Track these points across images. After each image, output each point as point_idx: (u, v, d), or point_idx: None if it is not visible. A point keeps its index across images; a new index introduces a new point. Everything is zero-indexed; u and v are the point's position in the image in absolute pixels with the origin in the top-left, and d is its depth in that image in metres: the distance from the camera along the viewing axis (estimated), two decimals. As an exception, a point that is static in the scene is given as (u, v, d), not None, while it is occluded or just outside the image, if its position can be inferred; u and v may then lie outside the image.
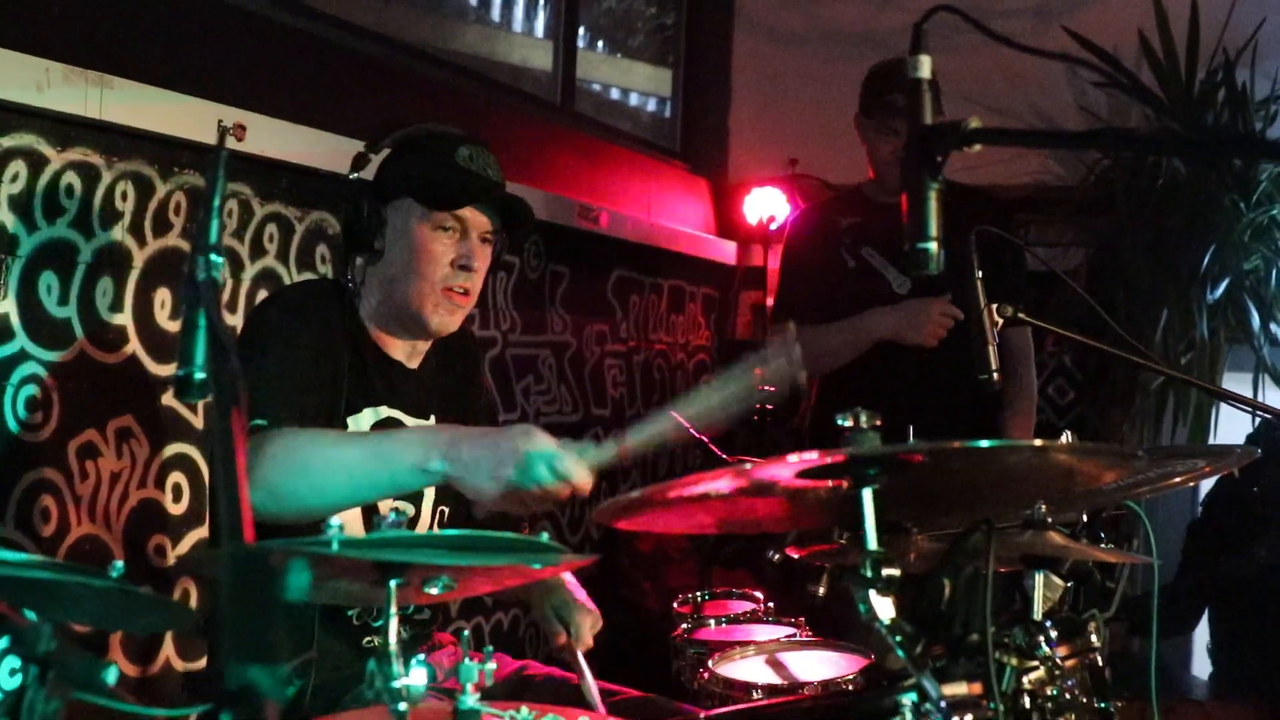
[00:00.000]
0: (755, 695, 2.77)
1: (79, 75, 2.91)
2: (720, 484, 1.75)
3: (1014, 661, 1.84)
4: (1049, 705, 1.93)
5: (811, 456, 1.62)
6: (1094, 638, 2.13)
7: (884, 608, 1.64)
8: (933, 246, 1.67)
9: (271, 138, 3.43)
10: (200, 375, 1.65)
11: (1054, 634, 1.98)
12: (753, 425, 5.30)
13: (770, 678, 2.86)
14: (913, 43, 1.73)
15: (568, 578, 2.78)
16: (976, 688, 1.76)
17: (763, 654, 3.00)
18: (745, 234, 6.18)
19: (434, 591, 1.71)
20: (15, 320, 2.86)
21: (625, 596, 5.01)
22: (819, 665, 2.93)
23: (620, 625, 4.88)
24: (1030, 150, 5.63)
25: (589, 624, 2.73)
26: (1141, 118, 5.47)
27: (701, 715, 2.22)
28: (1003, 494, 1.95)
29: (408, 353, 2.71)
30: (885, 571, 1.64)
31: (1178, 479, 2.13)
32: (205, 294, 1.42)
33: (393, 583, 1.55)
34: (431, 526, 2.72)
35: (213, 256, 1.49)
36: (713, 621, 3.29)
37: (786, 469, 1.67)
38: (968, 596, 1.74)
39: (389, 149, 2.66)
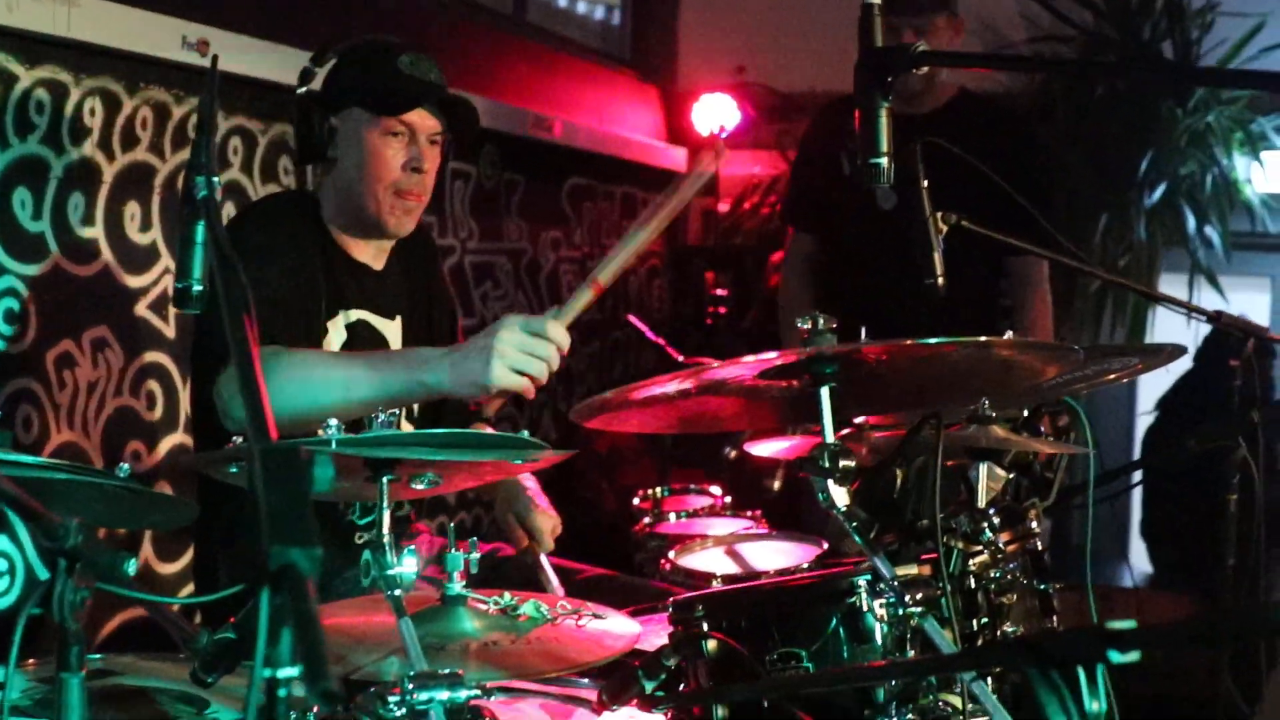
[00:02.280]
0: (715, 583, 2.91)
1: (47, -7, 2.96)
2: (684, 384, 1.87)
3: (960, 546, 1.98)
4: (993, 586, 2.08)
5: (771, 356, 1.74)
6: (1034, 524, 2.28)
7: (841, 496, 1.77)
8: (884, 161, 1.79)
9: (234, 53, 3.48)
10: (198, 287, 1.75)
11: (997, 521, 2.12)
12: (705, 328, 5.42)
13: (729, 567, 3.01)
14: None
15: (529, 484, 2.89)
16: (926, 569, 1.90)
17: (721, 545, 3.15)
18: (695, 141, 6.25)
19: (420, 487, 1.83)
20: (-9, 236, 2.94)
21: (584, 496, 5.14)
22: (775, 555, 3.08)
23: (580, 524, 5.03)
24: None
25: (549, 528, 2.84)
26: (1082, 24, 5.57)
27: (669, 599, 2.35)
28: (950, 389, 2.08)
29: (373, 254, 2.80)
30: (842, 462, 1.77)
31: (1113, 375, 2.26)
32: (207, 210, 1.51)
33: (385, 479, 1.67)
34: (402, 421, 2.82)
35: (211, 176, 1.58)
36: (673, 516, 3.43)
37: (747, 369, 1.79)
38: (918, 486, 1.87)
39: (334, 61, 2.74)
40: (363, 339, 2.73)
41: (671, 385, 1.87)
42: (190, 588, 3.36)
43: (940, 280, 2.58)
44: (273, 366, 2.33)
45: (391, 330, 2.80)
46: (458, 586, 1.81)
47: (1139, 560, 5.56)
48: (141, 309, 3.33)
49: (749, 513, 3.39)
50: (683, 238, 6.44)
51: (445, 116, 2.73)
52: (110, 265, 3.24)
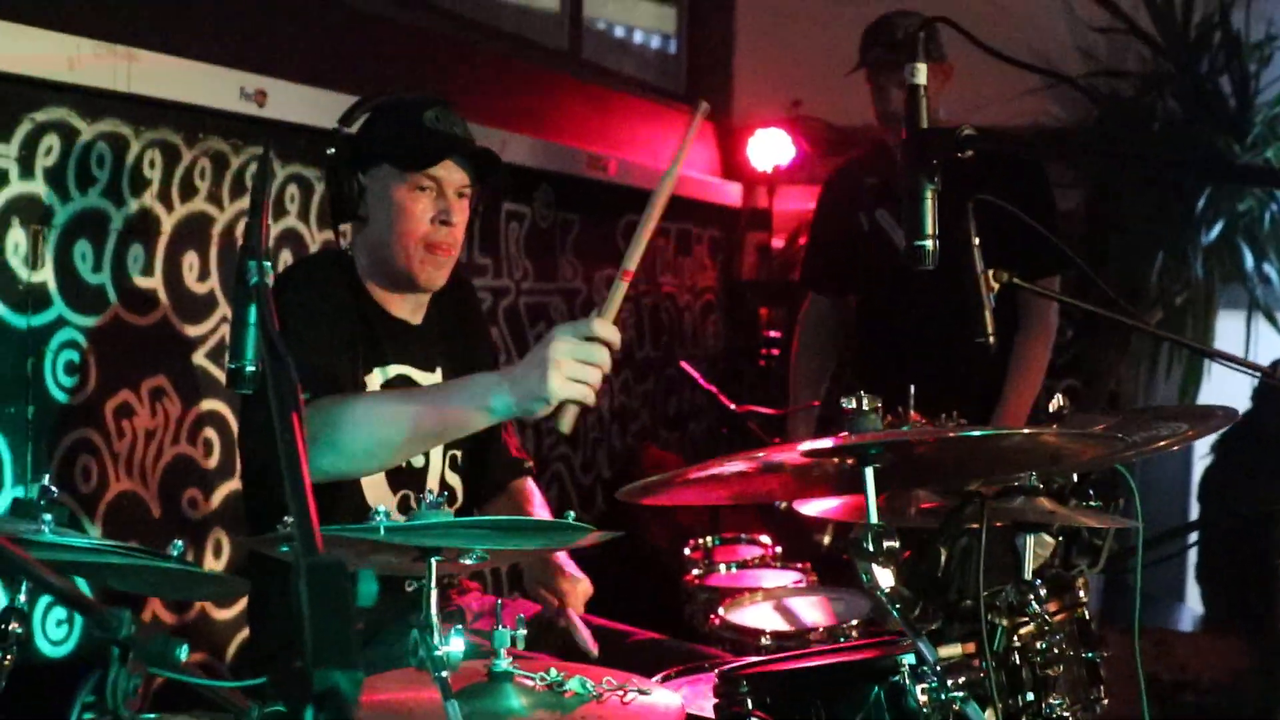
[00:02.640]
0: (763, 641, 2.92)
1: (107, 49, 3.02)
2: (735, 466, 1.88)
3: (1005, 622, 1.98)
4: (1038, 659, 2.08)
5: (823, 444, 1.74)
6: (1081, 593, 2.27)
7: (884, 577, 1.77)
8: (929, 244, 1.79)
9: (290, 101, 3.54)
10: (251, 368, 1.78)
11: (1043, 592, 2.11)
12: (758, 369, 5.42)
13: (778, 624, 3.01)
14: (910, 51, 1.84)
15: (560, 555, 2.85)
16: (970, 647, 1.90)
17: (770, 600, 3.15)
18: (750, 176, 6.27)
19: (469, 562, 1.85)
20: (53, 288, 2.98)
21: (636, 537, 5.16)
22: (824, 610, 3.08)
23: (632, 565, 5.04)
24: (1029, 90, 5.69)
25: (580, 591, 2.81)
26: (1138, 60, 5.55)
27: (711, 666, 2.36)
28: (997, 466, 2.08)
29: (410, 309, 2.83)
30: (885, 544, 1.77)
31: (1162, 443, 2.24)
32: (258, 298, 1.54)
33: (433, 559, 1.69)
34: (443, 470, 2.85)
35: (264, 262, 1.61)
36: (723, 567, 3.44)
37: (795, 454, 1.80)
38: (961, 565, 1.87)
39: (362, 120, 2.77)
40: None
41: (730, 467, 1.88)
42: (245, 633, 3.41)
43: (991, 339, 2.58)
44: (339, 413, 2.38)
45: (432, 383, 2.83)
46: (504, 663, 1.82)
47: (1195, 602, 5.51)
48: (199, 358, 3.38)
49: (799, 564, 3.40)
50: (737, 272, 6.45)
51: (473, 169, 2.76)
52: (169, 315, 3.29)
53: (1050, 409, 2.50)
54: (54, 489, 1.77)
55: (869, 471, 1.78)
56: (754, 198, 6.38)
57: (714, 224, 6.27)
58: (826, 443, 1.76)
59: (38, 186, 2.94)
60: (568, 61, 5.49)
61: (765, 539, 3.61)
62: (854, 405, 1.79)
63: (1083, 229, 5.38)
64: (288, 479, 1.26)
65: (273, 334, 1.44)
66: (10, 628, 1.75)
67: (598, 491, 5.27)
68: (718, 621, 3.03)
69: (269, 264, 1.66)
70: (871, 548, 1.75)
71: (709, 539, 3.59)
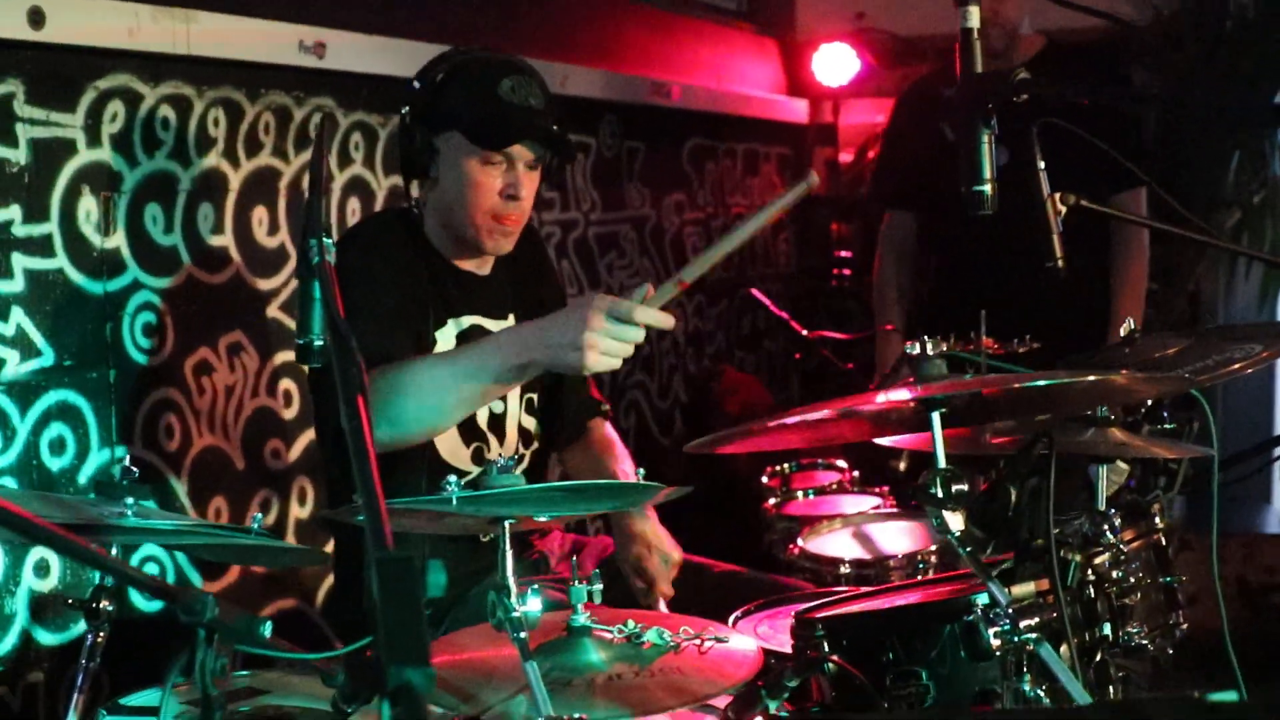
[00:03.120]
0: (843, 570, 2.94)
1: (165, 14, 3.04)
2: (811, 415, 1.88)
3: (1079, 557, 1.98)
4: (1114, 589, 2.08)
5: (899, 394, 1.75)
6: (1157, 519, 2.26)
7: (955, 521, 1.78)
8: (987, 189, 1.78)
9: (350, 51, 3.55)
10: (319, 342, 1.81)
11: (1118, 521, 2.11)
12: (829, 290, 5.40)
13: (857, 551, 3.03)
14: (962, -7, 1.81)
15: (646, 520, 2.80)
16: (1043, 584, 1.90)
17: (849, 527, 3.17)
18: (816, 91, 6.21)
19: (543, 519, 1.87)
20: (126, 253, 3.04)
21: (715, 459, 5.18)
22: (902, 536, 3.09)
23: (711, 490, 5.06)
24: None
25: (667, 575, 2.73)
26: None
27: (791, 599, 2.39)
28: (1067, 404, 2.07)
29: (477, 263, 2.85)
30: (954, 488, 1.78)
31: (1236, 366, 2.22)
32: (321, 277, 1.56)
33: (507, 522, 1.71)
34: (520, 414, 2.88)
35: (324, 239, 1.62)
36: (800, 494, 3.45)
37: (870, 404, 1.80)
38: (1033, 502, 1.87)
39: (437, 80, 2.76)
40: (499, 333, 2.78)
41: (794, 418, 1.89)
42: (330, 581, 3.47)
43: (1060, 263, 2.56)
44: (389, 385, 2.42)
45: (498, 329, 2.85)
46: (583, 618, 1.86)
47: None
48: (273, 310, 3.42)
49: (876, 489, 3.40)
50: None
51: (544, 143, 2.76)
52: (241, 271, 3.33)
53: (1121, 332, 2.48)
54: (135, 469, 1.81)
55: (935, 416, 1.78)
56: (820, 113, 6.32)
57: (781, 141, 6.23)
58: (900, 393, 1.76)
59: (105, 154, 2.98)
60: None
61: (842, 464, 3.61)
62: (917, 350, 1.79)
63: (1158, 130, 5.29)
64: (356, 469, 1.28)
65: (337, 319, 1.46)
66: (101, 605, 1.80)
67: (676, 416, 5.30)
68: (797, 551, 3.05)
69: (329, 240, 1.67)
70: (940, 492, 1.76)
71: (786, 465, 3.60)
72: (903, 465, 3.38)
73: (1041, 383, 1.67)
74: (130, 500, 1.67)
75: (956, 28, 5.85)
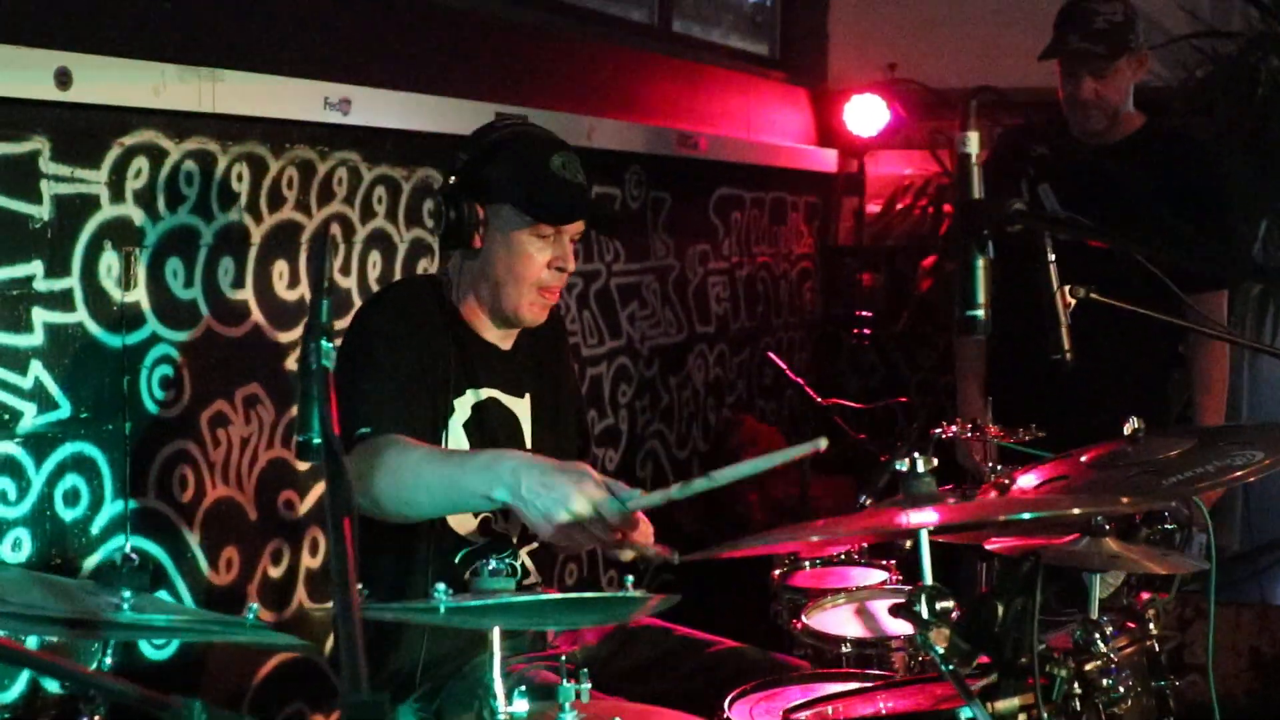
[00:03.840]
0: (844, 648, 2.94)
1: (192, 73, 3.08)
2: (801, 536, 1.89)
3: (1063, 672, 1.98)
4: (1103, 699, 2.08)
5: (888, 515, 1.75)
6: (1151, 625, 2.26)
7: (939, 639, 1.79)
8: (980, 313, 1.79)
9: (375, 107, 3.59)
10: (319, 440, 1.83)
11: (1109, 630, 2.11)
12: (853, 345, 5.40)
13: (859, 629, 3.03)
14: (961, 120, 1.83)
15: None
16: (1028, 698, 1.91)
17: (853, 602, 3.17)
18: (845, 141, 6.23)
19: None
20: (146, 307, 3.07)
21: (731, 511, 5.19)
22: (906, 615, 3.08)
23: (730, 537, 5.06)
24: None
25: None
26: (1243, 21, 5.42)
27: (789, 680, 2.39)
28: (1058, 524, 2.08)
29: (501, 335, 2.88)
30: (939, 605, 1.79)
31: (1237, 474, 2.21)
32: (319, 384, 1.59)
33: (495, 629, 1.73)
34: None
35: (323, 343, 1.65)
36: (808, 564, 3.45)
37: (861, 526, 1.81)
38: (1019, 622, 1.88)
39: (483, 151, 2.79)
40: (492, 415, 2.81)
41: (804, 534, 1.90)
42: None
43: (1068, 355, 2.56)
44: (380, 462, 2.46)
45: (521, 408, 2.88)
46: (569, 718, 1.87)
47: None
48: (290, 363, 3.45)
49: (884, 562, 3.40)
50: (833, 238, 6.42)
51: (595, 219, 2.86)
52: (260, 323, 3.37)
53: (1125, 431, 2.48)
54: (134, 557, 1.84)
55: (923, 534, 1.79)
56: (848, 162, 6.34)
57: (809, 190, 6.25)
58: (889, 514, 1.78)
59: (128, 209, 3.02)
60: (656, 35, 5.48)
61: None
62: (907, 467, 1.80)
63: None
64: (337, 602, 1.30)
65: (331, 436, 1.48)
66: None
67: (693, 465, 5.31)
68: (800, 626, 3.05)
69: (329, 345, 1.70)
70: (925, 611, 1.77)
71: (795, 533, 3.59)
72: (909, 543, 3.38)
73: (1027, 515, 1.67)
74: (127, 593, 1.69)
75: (989, 81, 5.89)
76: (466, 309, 2.83)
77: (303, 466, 3.48)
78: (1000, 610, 1.87)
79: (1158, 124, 4.09)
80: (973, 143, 1.80)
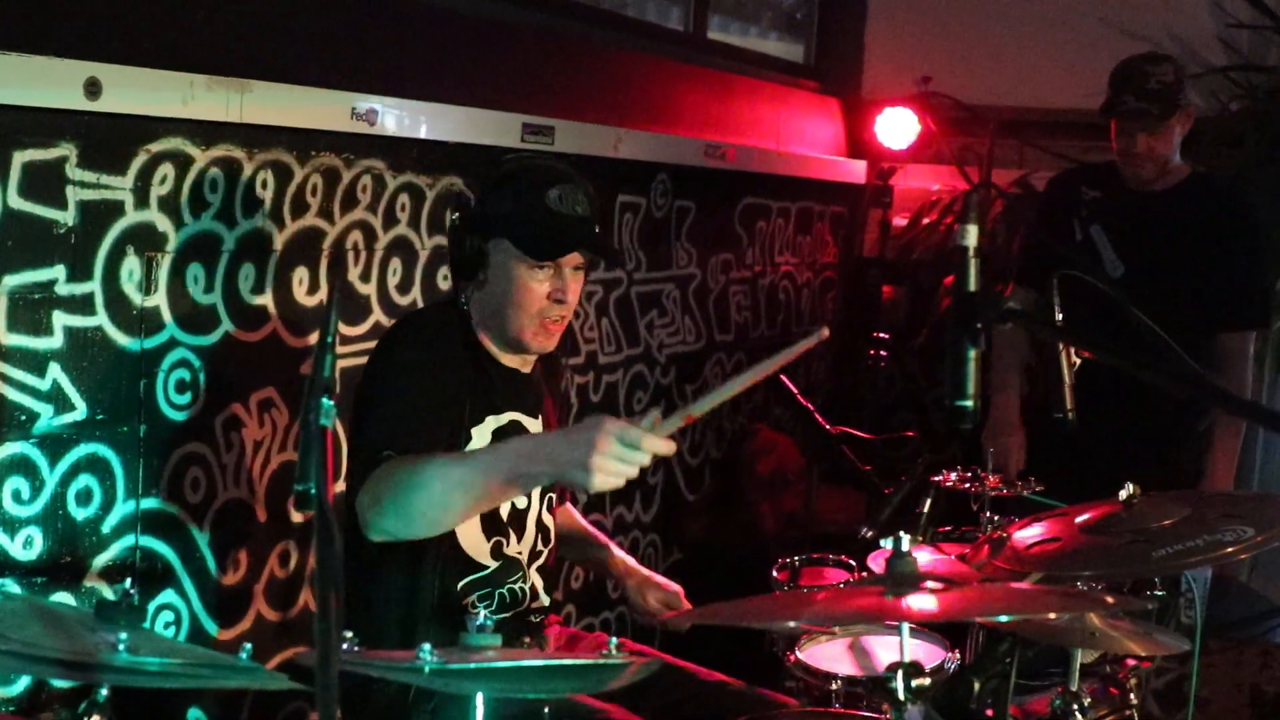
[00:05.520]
0: (833, 686, 2.97)
1: (220, 83, 3.11)
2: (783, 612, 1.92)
3: (1038, 749, 2.02)
4: (1079, 769, 2.11)
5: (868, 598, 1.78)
6: (1132, 695, 2.29)
7: (915, 715, 1.82)
8: (970, 404, 1.81)
9: (401, 117, 3.62)
10: (315, 490, 1.87)
11: (1087, 701, 2.14)
12: (868, 367, 5.41)
13: (850, 666, 3.06)
14: (961, 213, 1.85)
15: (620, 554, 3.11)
16: (1002, 772, 1.95)
17: (848, 637, 3.20)
18: (874, 153, 6.23)
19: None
20: (165, 312, 3.12)
21: (742, 520, 5.23)
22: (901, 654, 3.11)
23: (737, 551, 5.11)
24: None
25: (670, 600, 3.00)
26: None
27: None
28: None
29: (520, 360, 2.94)
30: (915, 682, 1.82)
31: (1228, 550, 2.23)
32: (320, 442, 1.63)
33: (479, 695, 1.77)
34: (540, 512, 2.96)
35: (325, 401, 1.68)
36: (806, 591, 3.48)
37: (843, 609, 1.84)
38: (995, 699, 1.91)
39: (486, 187, 2.87)
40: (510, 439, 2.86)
41: (787, 610, 1.93)
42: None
43: (1070, 414, 2.59)
44: (403, 477, 2.50)
45: (537, 429, 2.95)
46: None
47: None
48: (306, 368, 3.49)
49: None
50: (859, 248, 6.43)
51: (591, 251, 2.88)
52: (278, 329, 3.41)
53: (1121, 497, 2.50)
54: (134, 593, 1.88)
55: (905, 629, 1.82)
56: (877, 174, 6.35)
57: (837, 201, 6.25)
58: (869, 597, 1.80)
59: (152, 215, 3.06)
60: (690, 42, 5.49)
61: (851, 563, 3.64)
62: (892, 548, 1.83)
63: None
64: (318, 672, 1.34)
65: (325, 504, 1.52)
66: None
67: (705, 473, 5.35)
68: (792, 660, 3.09)
69: (330, 403, 1.73)
70: (901, 690, 1.80)
71: (796, 559, 3.63)
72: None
73: (1004, 618, 1.70)
74: (124, 636, 1.73)
75: (1020, 101, 5.90)
76: (484, 336, 2.89)
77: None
78: (976, 687, 1.90)
79: (1201, 175, 4.35)
80: (971, 235, 1.82)
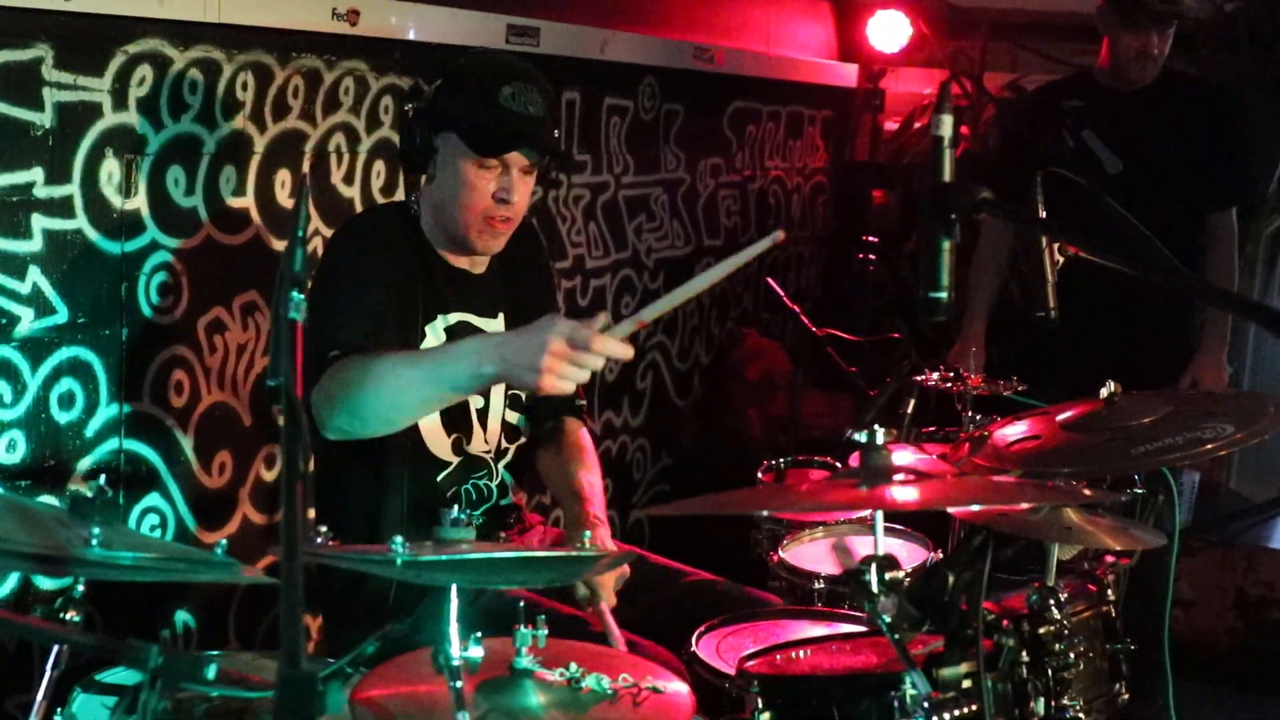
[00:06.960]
0: (816, 585, 3.00)
1: (196, -19, 3.08)
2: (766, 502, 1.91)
3: (1011, 642, 2.03)
4: (1054, 663, 2.12)
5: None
6: (1109, 591, 2.30)
7: (889, 608, 1.83)
8: (944, 295, 1.80)
9: (382, 17, 3.59)
10: (288, 386, 1.86)
11: (1064, 596, 2.15)
12: (859, 271, 5.40)
13: (833, 566, 3.08)
14: (937, 103, 1.83)
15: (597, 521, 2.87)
16: (974, 665, 1.96)
17: (831, 537, 3.22)
18: (866, 56, 6.18)
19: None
20: (146, 214, 3.10)
21: (730, 426, 5.24)
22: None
23: (724, 456, 5.13)
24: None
25: (612, 584, 2.76)
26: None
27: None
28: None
29: (470, 261, 2.91)
30: (888, 575, 1.83)
31: (1207, 446, 2.23)
32: (290, 336, 1.62)
33: (453, 586, 1.77)
34: (504, 409, 2.95)
35: (294, 294, 1.67)
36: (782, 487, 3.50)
37: (823, 500, 1.85)
38: (970, 593, 1.92)
39: (440, 81, 2.81)
40: (463, 337, 2.84)
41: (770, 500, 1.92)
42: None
43: (1053, 314, 2.58)
44: (355, 376, 2.51)
45: (494, 328, 2.92)
46: (525, 660, 1.92)
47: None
48: (290, 271, 3.47)
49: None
50: (850, 153, 6.39)
51: (540, 151, 2.81)
52: (260, 232, 3.39)
53: (1102, 395, 2.50)
54: (108, 489, 1.88)
55: (878, 516, 1.82)
56: (868, 78, 6.30)
57: (827, 105, 6.21)
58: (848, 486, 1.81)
59: (131, 117, 3.03)
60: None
61: (836, 465, 3.65)
62: (866, 439, 1.83)
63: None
64: (283, 568, 1.34)
65: (293, 395, 1.52)
66: (69, 616, 1.88)
67: (695, 379, 5.35)
68: (776, 559, 3.11)
69: (300, 296, 1.72)
70: (874, 582, 1.81)
71: (781, 461, 3.64)
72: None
73: (975, 506, 1.70)
74: (97, 530, 1.74)
75: (1013, 3, 5.85)
76: (433, 235, 2.87)
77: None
78: (951, 580, 1.91)
79: (1170, 69, 4.41)
80: (946, 125, 1.81)
